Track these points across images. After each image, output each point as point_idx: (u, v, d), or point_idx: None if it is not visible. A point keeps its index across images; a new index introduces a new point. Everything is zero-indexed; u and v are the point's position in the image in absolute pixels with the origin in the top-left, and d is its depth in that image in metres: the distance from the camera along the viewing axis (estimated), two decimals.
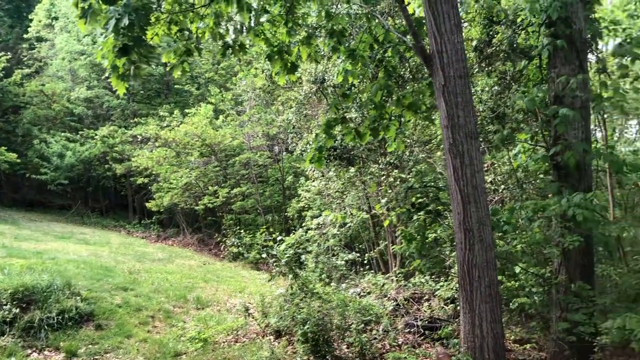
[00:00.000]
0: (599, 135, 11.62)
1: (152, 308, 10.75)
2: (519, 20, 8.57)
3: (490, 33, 9.62)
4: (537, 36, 8.01)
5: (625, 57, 7.90)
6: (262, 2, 8.69)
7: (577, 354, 6.77)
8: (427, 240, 8.38)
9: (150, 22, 7.26)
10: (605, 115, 11.67)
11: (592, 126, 10.64)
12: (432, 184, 8.76)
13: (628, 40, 8.08)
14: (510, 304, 7.82)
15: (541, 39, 7.71)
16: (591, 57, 8.58)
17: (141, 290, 11.69)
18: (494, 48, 9.49)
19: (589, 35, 7.86)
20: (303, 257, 12.39)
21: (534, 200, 7.98)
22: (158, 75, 28.23)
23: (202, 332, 9.62)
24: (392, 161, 11.81)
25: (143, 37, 6.85)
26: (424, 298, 9.70)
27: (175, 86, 28.74)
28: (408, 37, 7.75)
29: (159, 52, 9.13)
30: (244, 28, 8.83)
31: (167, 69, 9.01)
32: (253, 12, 8.55)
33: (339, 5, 10.13)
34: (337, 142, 12.33)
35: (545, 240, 7.32)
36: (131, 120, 27.11)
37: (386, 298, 10.08)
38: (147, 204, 24.87)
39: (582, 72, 7.52)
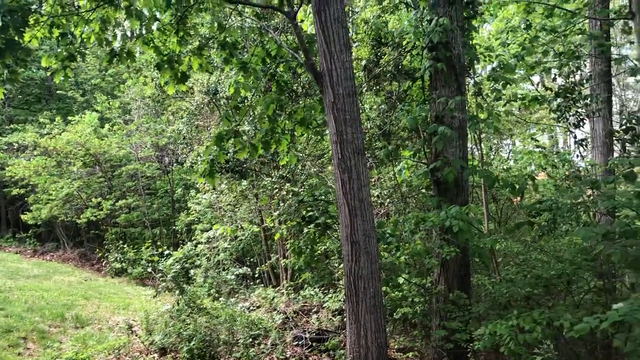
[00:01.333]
0: (477, 153, 12.49)
1: (24, 329, 9.99)
2: (404, 43, 9.03)
3: (378, 54, 10.05)
4: (421, 59, 8.48)
5: (498, 82, 8.58)
6: (152, 10, 8.46)
7: None
8: (316, 253, 8.53)
9: (28, 24, 6.82)
10: (482, 135, 12.57)
11: (470, 144, 11.44)
12: (323, 197, 8.94)
13: (500, 66, 8.81)
14: (394, 313, 8.13)
15: (424, 62, 8.17)
16: (469, 80, 9.23)
17: (12, 310, 10.83)
18: (381, 68, 9.92)
19: (466, 60, 8.45)
20: (192, 271, 12.10)
21: (416, 213, 8.39)
22: (39, 79, 26.50)
23: (80, 353, 9.07)
24: (284, 175, 11.91)
25: (19, 40, 6.42)
26: (313, 310, 9.83)
27: (58, 92, 27.12)
28: (300, 53, 7.89)
29: (40, 55, 8.60)
30: (134, 34, 8.56)
31: (48, 73, 8.50)
32: (143, 20, 8.31)
33: (232, 18, 10.11)
34: (229, 154, 12.23)
35: (425, 251, 7.71)
36: (6, 127, 25.16)
37: (276, 311, 10.10)
38: (22, 217, 23.12)
39: (460, 94, 8.05)
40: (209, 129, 15.74)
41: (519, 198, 12.02)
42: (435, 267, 7.75)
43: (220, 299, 10.98)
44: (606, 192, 7.18)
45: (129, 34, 9.21)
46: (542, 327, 5.97)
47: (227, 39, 8.83)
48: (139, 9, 8.11)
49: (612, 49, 12.24)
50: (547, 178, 12.22)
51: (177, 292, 9.28)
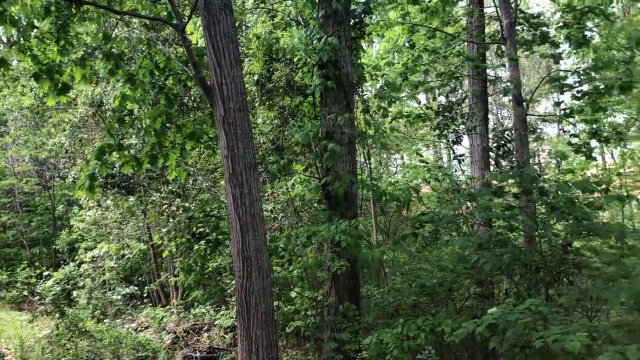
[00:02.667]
0: (366, 167, 12.89)
1: None
2: (295, 59, 9.18)
3: (271, 69, 10.13)
4: (311, 76, 8.66)
5: (385, 100, 8.97)
6: (30, 17, 7.94)
7: None
8: (207, 270, 8.37)
9: None
10: (371, 150, 13.01)
11: (361, 159, 11.81)
12: (215, 213, 8.80)
13: (387, 84, 9.21)
14: (287, 327, 8.15)
15: (315, 79, 8.35)
16: (358, 98, 9.56)
17: None
18: (273, 83, 10.01)
19: (355, 78, 8.75)
20: (74, 293, 11.39)
21: (308, 227, 8.50)
22: None
23: None
24: (174, 190, 11.60)
25: None
26: (204, 328, 9.62)
27: None
28: (190, 66, 7.77)
29: None
30: (10, 41, 7.98)
31: None
32: (19, 26, 7.78)
33: (118, 28, 9.75)
34: (115, 169, 11.71)
35: (317, 264, 7.82)
36: None
37: (165, 331, 9.77)
38: None
39: (349, 111, 8.32)
40: (93, 142, 14.99)
41: (405, 210, 12.58)
42: (326, 280, 7.88)
43: (105, 320, 10.43)
44: (482, 204, 7.71)
45: (4, 39, 8.56)
46: (425, 334, 6.26)
47: (113, 49, 8.50)
48: (13, 14, 7.59)
49: (488, 70, 13.23)
50: (431, 191, 12.89)
51: (57, 315, 8.69)
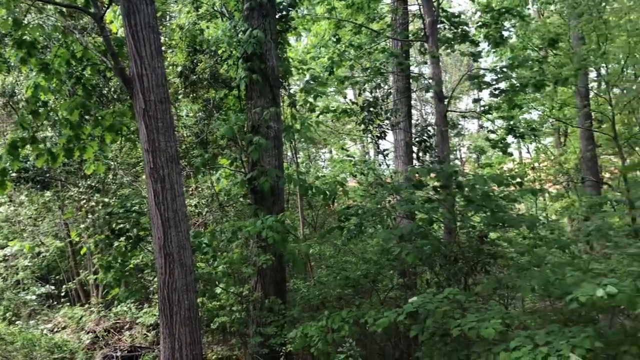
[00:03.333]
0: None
1: None
2: (219, 51, 9.04)
3: (195, 61, 9.92)
4: (236, 68, 8.56)
5: (311, 94, 9.00)
6: None
7: None
8: (128, 268, 8.11)
9: None
10: (298, 144, 13.04)
11: (290, 153, 11.80)
12: (136, 208, 8.53)
13: (313, 79, 9.24)
14: (212, 324, 8.05)
15: (239, 72, 8.26)
16: (284, 92, 9.53)
17: None
18: (197, 75, 9.80)
19: (281, 72, 8.72)
20: None
21: (233, 222, 8.42)
22: None
23: None
24: (94, 184, 11.14)
25: None
26: (126, 327, 9.33)
27: None
28: (109, 56, 7.47)
29: None
30: None
31: None
32: None
33: (31, 14, 9.23)
34: (29, 163, 11.10)
35: (242, 260, 7.76)
36: None
37: (83, 331, 9.39)
38: None
39: (275, 104, 8.28)
40: (4, 134, 14.14)
41: (332, 204, 12.70)
42: (252, 275, 7.84)
43: (18, 322, 9.89)
44: (404, 198, 7.91)
45: None
46: (349, 325, 6.36)
47: (25, 37, 8.04)
48: None
49: (412, 67, 13.56)
50: (358, 185, 13.08)
51: None
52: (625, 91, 16.89)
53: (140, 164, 12.18)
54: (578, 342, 4.85)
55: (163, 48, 10.14)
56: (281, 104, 9.06)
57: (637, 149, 17.27)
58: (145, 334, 8.94)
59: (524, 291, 5.89)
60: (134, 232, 7.68)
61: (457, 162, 25.01)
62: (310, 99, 8.73)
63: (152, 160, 6.55)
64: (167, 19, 12.05)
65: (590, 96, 15.42)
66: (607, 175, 18.95)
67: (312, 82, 9.08)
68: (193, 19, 9.80)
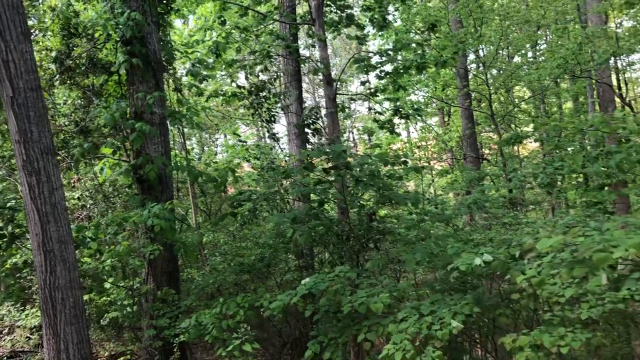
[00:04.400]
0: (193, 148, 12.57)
1: None
2: (96, 35, 8.54)
3: (70, 45, 9.30)
4: (116, 53, 8.14)
5: (197, 78, 8.77)
6: None
7: (166, 357, 7.14)
8: (4, 268, 7.54)
9: None
10: (189, 131, 12.70)
11: (181, 140, 11.47)
12: (10, 204, 7.91)
13: (198, 62, 9.01)
14: (102, 320, 7.72)
15: (119, 56, 7.87)
16: (168, 76, 9.22)
17: None
18: (74, 61, 9.21)
19: (164, 56, 8.41)
20: None
21: (118, 213, 8.07)
22: None
23: None
24: None
25: None
26: (5, 331, 8.70)
27: None
28: None
29: None
30: None
31: None
32: None
33: None
34: None
35: (129, 252, 7.48)
36: None
37: None
38: None
39: (159, 89, 7.99)
40: None
41: (230, 189, 12.55)
42: (140, 267, 7.58)
43: None
44: (297, 181, 7.98)
45: None
46: (245, 310, 6.35)
47: None
48: None
49: (304, 50, 13.61)
50: (253, 170, 13.01)
51: None
52: (500, 71, 18.10)
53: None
54: (458, 309, 5.16)
55: (34, 32, 9.43)
56: (166, 88, 8.77)
57: (512, 125, 18.60)
58: (28, 337, 8.38)
59: (409, 264, 6.17)
60: (8, 230, 7.13)
61: (350, 144, 25.64)
62: (196, 83, 8.50)
63: (25, 152, 6.10)
64: (39, 1, 11.20)
65: (470, 77, 16.36)
66: (487, 151, 20.29)
67: (197, 66, 8.84)
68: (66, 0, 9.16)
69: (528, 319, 6.97)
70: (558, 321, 4.97)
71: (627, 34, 14.41)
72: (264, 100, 9.26)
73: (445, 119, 21.88)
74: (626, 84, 18.58)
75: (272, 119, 9.59)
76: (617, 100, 15.91)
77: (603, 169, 7.29)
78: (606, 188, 9.08)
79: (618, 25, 18.25)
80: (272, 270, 8.66)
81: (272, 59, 10.56)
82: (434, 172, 21.65)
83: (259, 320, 8.40)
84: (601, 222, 5.60)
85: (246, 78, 9.66)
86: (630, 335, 6.70)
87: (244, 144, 11.58)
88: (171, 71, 9.10)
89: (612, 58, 14.35)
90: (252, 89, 9.21)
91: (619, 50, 13.06)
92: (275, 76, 10.14)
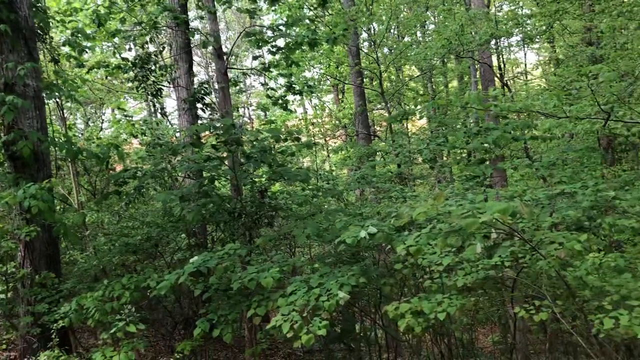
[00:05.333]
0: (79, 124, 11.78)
1: None
2: None
3: None
4: None
5: (75, 49, 8.21)
6: None
7: (45, 344, 6.74)
8: None
9: None
10: (70, 104, 11.91)
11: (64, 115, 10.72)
12: None
13: (77, 32, 8.43)
14: None
15: None
16: (43, 46, 8.54)
17: None
18: None
19: (37, 24, 7.78)
20: None
21: None
22: None
23: None
24: None
25: None
26: None
27: None
28: None
29: None
30: None
31: None
32: None
33: None
34: None
35: (3, 234, 6.94)
36: None
37: None
38: None
39: (32, 60, 7.39)
40: None
41: (119, 167, 11.95)
42: (14, 250, 7.06)
43: None
44: (186, 157, 7.76)
45: None
46: (131, 292, 6.13)
47: None
48: None
49: (196, 22, 13.18)
50: (141, 146, 12.47)
51: None
52: (391, 50, 18.62)
53: None
54: (345, 281, 5.30)
55: None
56: (42, 59, 8.13)
57: (401, 103, 19.27)
58: None
59: (300, 239, 6.24)
60: None
61: (246, 119, 25.37)
62: (75, 54, 7.95)
63: None
64: None
65: (361, 55, 16.68)
66: (378, 128, 20.93)
67: (77, 36, 8.26)
68: None
69: (414, 287, 7.34)
70: (437, 288, 5.26)
71: (505, 17, 15.30)
72: (149, 73, 8.86)
73: (340, 97, 22.24)
74: (504, 65, 19.81)
75: (159, 92, 9.20)
76: (497, 80, 16.94)
77: (482, 144, 7.73)
78: (487, 162, 9.68)
79: (499, 9, 19.37)
80: (161, 250, 8.42)
81: (159, 31, 10.11)
82: (329, 149, 22.01)
83: (149, 302, 8.17)
84: (479, 193, 5.97)
85: (130, 49, 9.16)
86: (504, 299, 7.26)
87: (130, 118, 11.06)
88: (47, 40, 8.42)
89: (493, 40, 15.20)
90: (137, 61, 8.77)
91: (498, 32, 13.85)
92: (161, 48, 9.72)
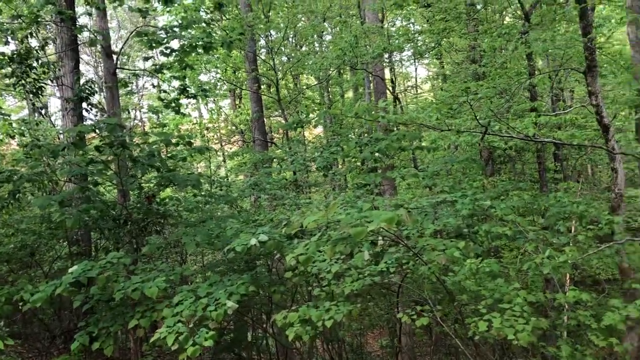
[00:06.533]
0: None
1: None
2: None
3: None
4: None
5: None
6: None
7: None
8: None
9: None
10: None
11: None
12: None
13: None
14: None
15: None
16: None
17: None
18: None
19: None
20: None
21: None
22: None
23: None
24: None
25: None
26: None
27: None
28: None
29: None
30: None
31: None
32: None
33: None
34: None
35: None
36: None
37: None
38: None
39: None
40: None
41: None
42: None
43: None
44: (68, 160, 7.30)
45: None
46: (1, 304, 5.67)
47: None
48: None
49: (85, 18, 12.45)
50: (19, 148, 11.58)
51: None
52: (289, 59, 18.75)
53: None
54: (234, 290, 5.23)
55: None
56: None
57: (298, 111, 19.45)
58: None
59: (189, 246, 6.08)
60: None
61: (137, 122, 24.39)
62: None
63: None
64: None
65: (259, 62, 16.64)
66: (275, 135, 20.97)
67: None
68: None
69: (306, 295, 7.39)
70: (325, 296, 5.33)
71: (398, 32, 15.94)
72: (29, 69, 8.25)
73: (237, 102, 22.02)
74: (396, 78, 20.63)
75: (40, 91, 8.59)
76: (390, 92, 17.60)
77: (371, 154, 7.97)
78: (378, 171, 9.99)
79: (391, 24, 20.13)
80: (39, 259, 7.85)
81: (42, 25, 9.47)
82: (225, 154, 21.70)
83: (23, 315, 7.58)
84: (369, 201, 6.14)
85: (7, 43, 8.45)
86: (391, 304, 7.51)
87: (8, 117, 10.21)
88: None
89: (386, 54, 15.76)
90: (15, 56, 8.13)
91: (391, 46, 14.38)
92: (44, 44, 9.09)
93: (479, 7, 13.80)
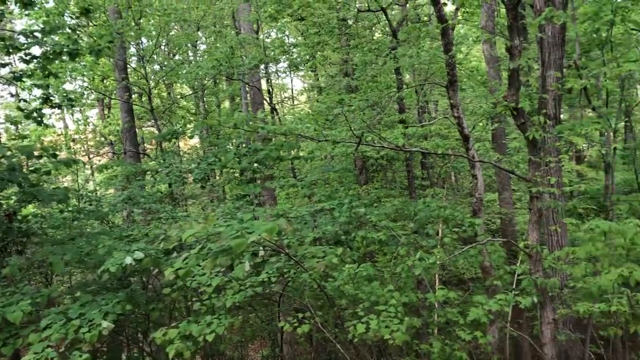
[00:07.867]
0: None
1: None
2: None
3: None
4: None
5: None
6: None
7: None
8: None
9: None
10: None
11: None
12: None
13: None
14: None
15: None
16: None
17: None
18: None
19: None
20: None
21: None
22: None
23: None
24: None
25: None
26: None
27: None
28: None
29: None
30: None
31: None
32: None
33: None
34: None
35: None
36: None
37: None
38: None
39: None
40: None
41: None
42: None
43: None
44: None
45: None
46: None
47: None
48: None
49: None
50: None
51: None
52: (162, 67, 18.20)
53: None
54: (110, 309, 4.98)
55: None
56: None
57: (172, 121, 18.93)
58: None
59: (57, 266, 5.68)
60: None
61: None
62: None
63: None
64: None
65: (129, 70, 15.99)
66: (148, 146, 20.20)
67: None
68: None
69: (185, 310, 7.20)
70: (206, 310, 5.24)
71: (273, 44, 16.12)
72: None
73: (105, 112, 20.93)
74: (272, 89, 20.80)
75: None
76: (267, 102, 17.71)
77: (249, 164, 7.98)
78: (257, 182, 10.00)
79: (267, 35, 20.32)
80: None
81: None
82: (93, 167, 20.51)
83: None
84: (248, 212, 6.14)
85: None
86: (272, 314, 7.54)
87: None
88: None
89: (262, 65, 15.86)
90: None
91: (267, 58, 14.51)
92: None
93: (350, 22, 14.35)
